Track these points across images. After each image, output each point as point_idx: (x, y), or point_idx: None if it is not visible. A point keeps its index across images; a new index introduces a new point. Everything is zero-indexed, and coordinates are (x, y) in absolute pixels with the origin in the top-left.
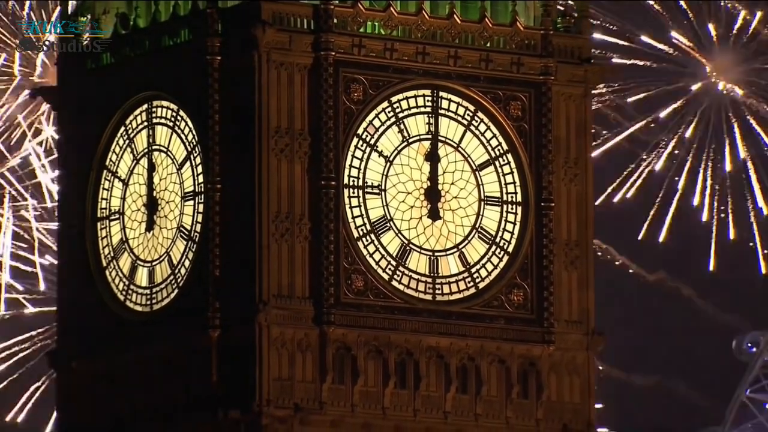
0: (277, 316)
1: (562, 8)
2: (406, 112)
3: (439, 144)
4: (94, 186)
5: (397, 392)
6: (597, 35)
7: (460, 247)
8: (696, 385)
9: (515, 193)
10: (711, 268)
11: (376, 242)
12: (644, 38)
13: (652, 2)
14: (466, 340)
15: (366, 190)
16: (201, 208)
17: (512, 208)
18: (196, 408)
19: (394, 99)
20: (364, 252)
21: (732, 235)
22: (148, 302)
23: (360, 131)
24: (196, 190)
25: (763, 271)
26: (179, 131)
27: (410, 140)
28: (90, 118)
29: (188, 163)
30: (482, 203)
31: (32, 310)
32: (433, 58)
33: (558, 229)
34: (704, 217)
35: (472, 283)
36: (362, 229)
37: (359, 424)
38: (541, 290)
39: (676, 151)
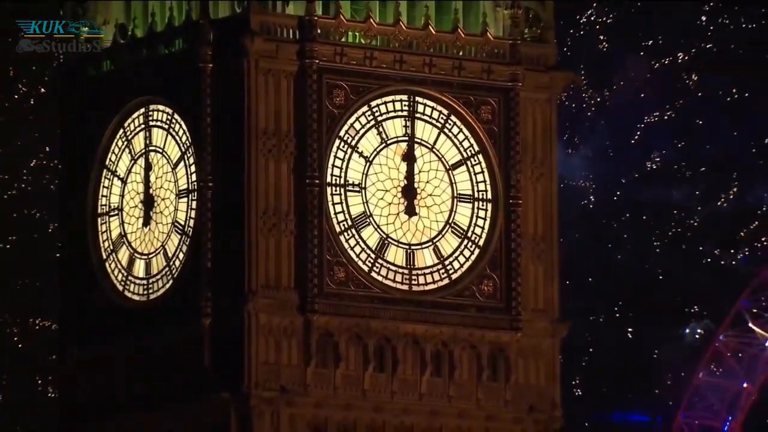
0: (265, 305)
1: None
2: (384, 116)
3: (415, 145)
4: (95, 184)
5: (376, 376)
6: None
7: (434, 241)
8: None
9: (486, 191)
10: None
11: (356, 236)
12: None
13: None
14: (440, 328)
15: (347, 188)
16: (194, 204)
17: (483, 205)
18: (190, 390)
19: (373, 103)
20: (346, 245)
21: None
22: (145, 292)
23: (342, 133)
24: (190, 188)
25: None
26: (174, 133)
27: (388, 142)
28: (91, 120)
29: (182, 163)
30: (455, 200)
31: None
32: (409, 65)
33: (525, 224)
34: None
35: (445, 275)
36: (344, 224)
37: (341, 406)
38: (510, 281)
39: None
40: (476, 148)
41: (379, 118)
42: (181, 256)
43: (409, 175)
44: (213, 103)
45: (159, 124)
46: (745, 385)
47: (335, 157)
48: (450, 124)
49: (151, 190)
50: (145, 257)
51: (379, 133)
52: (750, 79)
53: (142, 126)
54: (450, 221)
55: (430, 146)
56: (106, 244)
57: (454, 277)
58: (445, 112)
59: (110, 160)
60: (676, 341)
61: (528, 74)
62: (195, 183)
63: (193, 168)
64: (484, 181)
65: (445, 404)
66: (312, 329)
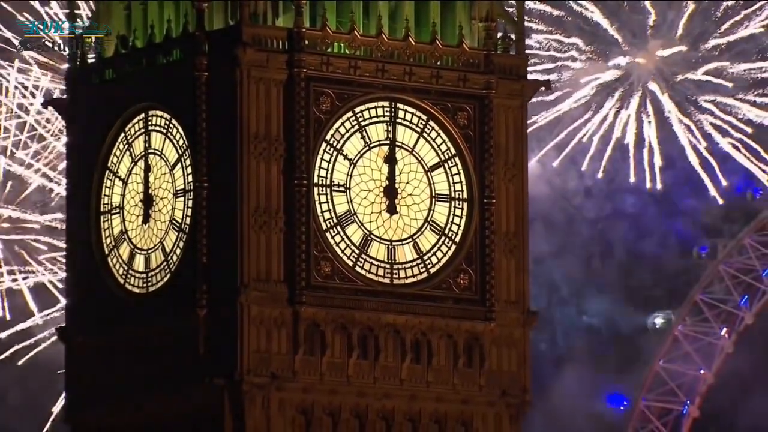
0: (256, 297)
1: (501, 32)
2: (367, 121)
3: (396, 148)
4: (98, 184)
5: (360, 363)
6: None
7: (414, 237)
8: None
9: (462, 191)
10: None
11: (341, 233)
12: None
13: None
14: (419, 318)
15: (333, 188)
16: (190, 203)
17: (459, 204)
18: (186, 376)
19: (357, 109)
20: (332, 241)
21: None
22: (145, 285)
23: (328, 137)
24: (186, 188)
25: None
26: (172, 137)
27: (371, 145)
28: (94, 125)
29: (179, 165)
30: (433, 200)
31: None
32: (391, 74)
33: (498, 222)
34: None
35: (424, 269)
36: (330, 222)
37: (327, 390)
38: (484, 275)
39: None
40: (453, 151)
41: (363, 123)
42: (178, 251)
43: (391, 176)
44: (208, 109)
45: (157, 128)
46: (702, 371)
47: (322, 159)
48: (429, 129)
49: (150, 190)
50: (145, 252)
51: (363, 137)
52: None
53: (142, 130)
54: (428, 219)
55: (410, 149)
56: (109, 240)
57: (432, 271)
58: (424, 117)
59: (112, 162)
60: (641, 330)
61: (501, 82)
62: (191, 183)
63: (189, 169)
64: (461, 182)
65: (423, 389)
66: (300, 320)
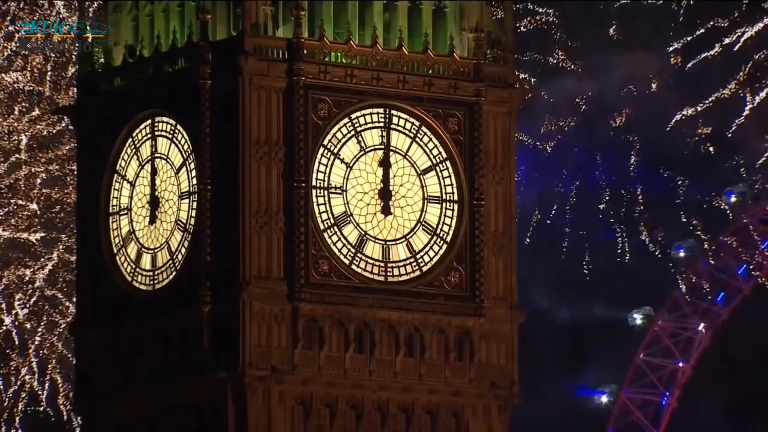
0: (257, 294)
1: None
2: (363, 127)
3: (391, 153)
4: (107, 187)
5: (356, 357)
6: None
7: (407, 237)
8: None
9: (452, 193)
10: None
11: (338, 233)
12: None
13: None
14: (413, 314)
15: (330, 190)
16: (195, 205)
17: (450, 206)
18: (191, 369)
19: (353, 116)
20: (329, 241)
21: None
22: (151, 282)
23: (325, 142)
24: (191, 190)
25: None
26: (177, 142)
27: (367, 149)
28: (103, 131)
29: (184, 168)
30: (426, 201)
31: None
32: (385, 82)
33: (487, 222)
34: None
35: (417, 267)
36: (327, 223)
37: (325, 383)
38: (474, 273)
39: None
40: (444, 155)
41: (359, 129)
42: (183, 250)
43: (385, 179)
44: (211, 115)
45: (163, 133)
46: (680, 364)
47: (319, 163)
48: (421, 134)
49: (156, 192)
50: (151, 252)
51: (359, 142)
52: None
53: (149, 135)
54: (421, 220)
55: (403, 153)
56: (117, 240)
57: (424, 269)
58: (417, 123)
59: (120, 165)
60: (623, 325)
61: (490, 90)
62: (195, 186)
63: (193, 172)
64: (451, 185)
65: (416, 382)
66: (299, 315)
